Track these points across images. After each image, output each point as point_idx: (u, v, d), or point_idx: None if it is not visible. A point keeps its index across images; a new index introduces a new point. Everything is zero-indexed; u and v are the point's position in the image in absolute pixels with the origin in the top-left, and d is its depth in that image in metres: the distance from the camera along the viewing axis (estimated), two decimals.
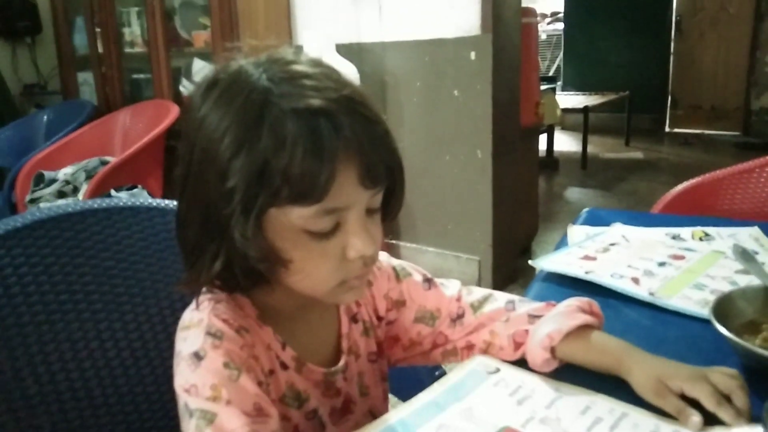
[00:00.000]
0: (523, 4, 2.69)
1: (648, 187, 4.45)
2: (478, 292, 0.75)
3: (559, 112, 4.54)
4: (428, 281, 0.75)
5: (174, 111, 2.68)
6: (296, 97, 0.51)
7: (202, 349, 0.56)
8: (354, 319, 0.71)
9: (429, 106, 2.60)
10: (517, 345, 0.69)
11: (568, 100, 5.30)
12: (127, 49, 3.16)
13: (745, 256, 0.79)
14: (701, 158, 5.24)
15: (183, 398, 0.55)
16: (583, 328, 0.66)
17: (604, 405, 0.59)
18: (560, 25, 6.83)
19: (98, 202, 0.89)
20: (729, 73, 5.92)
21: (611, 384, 0.63)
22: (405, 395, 0.91)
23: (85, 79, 3.51)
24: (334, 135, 0.51)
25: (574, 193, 4.42)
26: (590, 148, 5.08)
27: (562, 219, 3.77)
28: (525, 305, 0.72)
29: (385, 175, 0.56)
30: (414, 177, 2.70)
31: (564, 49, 6.81)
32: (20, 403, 0.75)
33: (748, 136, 5.72)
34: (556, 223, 3.66)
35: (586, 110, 4.87)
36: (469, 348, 0.71)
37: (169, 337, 0.87)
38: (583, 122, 4.92)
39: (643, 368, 0.60)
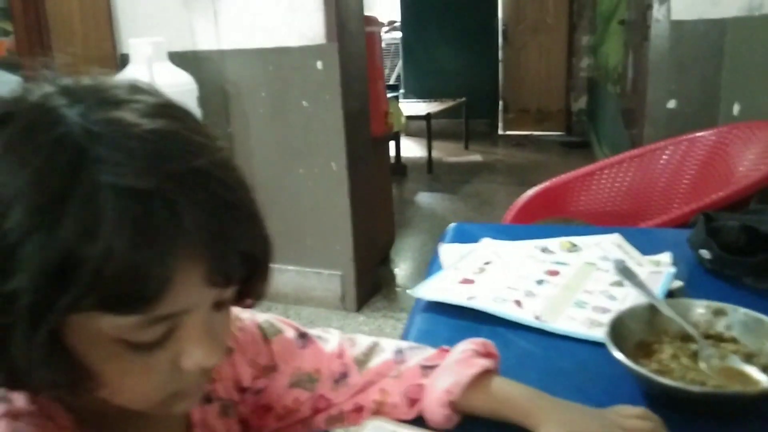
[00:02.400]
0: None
1: (489, 187, 4.68)
2: (362, 343, 0.65)
3: (403, 120, 4.63)
4: (303, 337, 0.63)
5: None
6: (121, 167, 0.36)
7: None
8: (207, 399, 0.57)
9: (277, 117, 2.46)
10: (412, 402, 0.60)
11: (411, 107, 5.43)
12: None
13: (627, 273, 0.78)
14: (532, 157, 5.65)
15: None
16: (483, 375, 0.59)
17: None
18: (397, 34, 7.01)
19: None
20: (551, 78, 6.45)
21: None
22: None
23: None
24: (171, 225, 0.37)
25: (423, 198, 4.53)
26: (434, 153, 5.24)
27: (416, 224, 3.82)
28: (415, 354, 0.63)
29: (245, 266, 0.43)
30: (267, 192, 2.54)
31: (403, 57, 7.00)
32: None
33: (571, 135, 6.28)
34: (411, 229, 3.70)
35: (428, 117, 5.02)
36: (358, 411, 0.61)
37: None
38: (427, 128, 5.06)
39: (552, 424, 0.54)
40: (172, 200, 0.37)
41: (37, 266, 0.35)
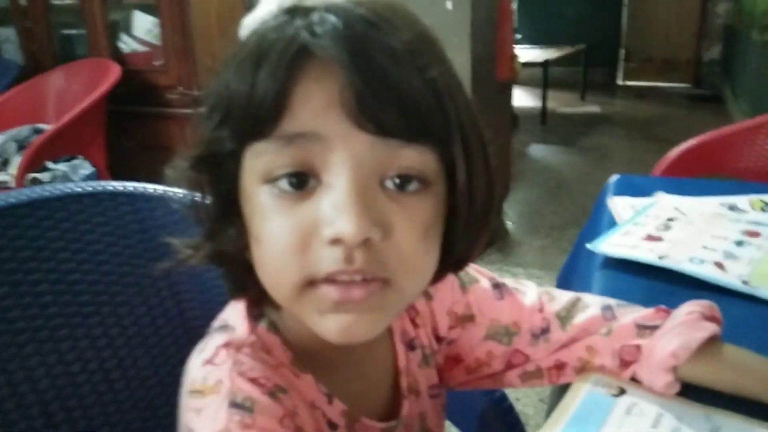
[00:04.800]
0: None
1: (608, 141, 4.42)
2: (562, 297, 0.59)
3: (520, 66, 4.42)
4: (498, 287, 0.59)
5: (115, 71, 2.39)
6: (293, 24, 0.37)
7: (227, 431, 0.39)
8: (411, 345, 0.55)
9: None
10: (626, 364, 0.54)
11: (526, 53, 5.17)
12: (55, 1, 2.80)
13: None
14: (655, 110, 5.27)
15: None
16: (709, 341, 0.52)
17: None
18: None
19: (49, 190, 0.71)
20: (681, 26, 5.92)
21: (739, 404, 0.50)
22: (458, 420, 0.77)
23: (7, 35, 3.11)
24: (294, 30, 0.36)
25: (537, 150, 4.35)
26: (547, 103, 5.00)
27: (529, 177, 3.69)
28: (626, 311, 0.58)
29: (405, 122, 0.36)
30: None
31: (519, 0, 6.65)
32: None
33: (699, 88, 5.78)
34: (524, 182, 3.57)
35: (546, 64, 4.77)
36: (560, 368, 0.57)
37: (145, 344, 0.72)
38: (543, 76, 4.82)
39: None
40: (310, 14, 0.37)
41: (208, 105, 0.40)
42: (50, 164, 2.20)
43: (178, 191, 0.76)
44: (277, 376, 0.43)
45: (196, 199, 0.42)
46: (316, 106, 0.36)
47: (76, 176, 2.17)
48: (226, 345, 0.44)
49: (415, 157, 0.37)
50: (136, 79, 2.52)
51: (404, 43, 0.36)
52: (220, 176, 0.40)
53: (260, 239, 0.39)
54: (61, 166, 2.22)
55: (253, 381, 0.41)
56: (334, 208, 0.35)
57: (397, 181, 0.38)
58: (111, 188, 0.74)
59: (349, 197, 0.35)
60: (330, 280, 0.37)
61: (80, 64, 2.62)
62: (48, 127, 2.26)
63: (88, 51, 2.70)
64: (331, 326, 0.38)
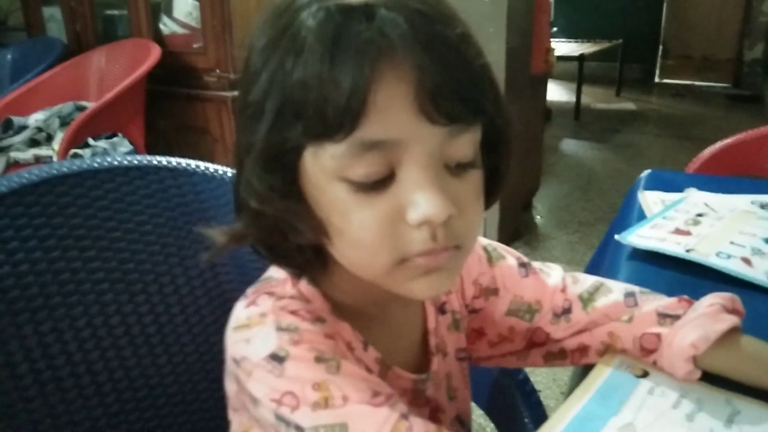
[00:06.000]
0: None
1: (642, 139, 4.36)
2: (586, 281, 0.61)
3: (554, 60, 4.37)
4: (524, 266, 0.61)
5: (155, 52, 2.44)
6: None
7: (280, 348, 0.42)
8: (442, 309, 0.58)
9: None
10: (646, 351, 0.56)
11: (562, 47, 5.12)
12: None
13: None
14: (692, 110, 5.17)
15: (276, 411, 0.41)
16: (729, 333, 0.54)
17: None
18: None
19: (98, 162, 0.74)
20: (722, 23, 5.78)
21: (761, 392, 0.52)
22: (481, 400, 0.79)
23: (52, 14, 3.20)
24: (368, 33, 0.37)
25: (569, 145, 4.31)
26: (581, 98, 4.94)
27: (560, 172, 3.66)
28: (649, 299, 0.59)
29: (469, 109, 0.39)
30: None
31: None
32: (15, 396, 0.61)
33: (739, 88, 5.64)
34: (554, 177, 3.55)
35: (581, 58, 4.71)
36: (582, 350, 0.59)
37: (184, 312, 0.76)
38: (578, 71, 4.76)
39: None
40: (374, 10, 0.37)
41: (260, 96, 0.40)
42: (91, 141, 2.27)
43: (218, 168, 0.79)
44: (317, 313, 0.47)
45: (264, 194, 0.42)
46: (393, 111, 0.37)
47: (115, 153, 2.23)
48: (269, 292, 0.48)
49: (471, 137, 0.42)
50: (175, 60, 2.57)
51: (460, 33, 0.39)
52: (284, 169, 0.41)
53: (345, 232, 0.41)
54: (102, 143, 2.29)
55: (294, 313, 0.45)
56: (418, 195, 0.39)
57: (455, 168, 0.42)
58: (155, 163, 0.78)
59: (429, 185, 0.39)
60: (420, 254, 0.41)
61: (122, 44, 2.69)
62: (90, 105, 2.32)
63: (130, 32, 2.76)
64: (421, 288, 0.43)
